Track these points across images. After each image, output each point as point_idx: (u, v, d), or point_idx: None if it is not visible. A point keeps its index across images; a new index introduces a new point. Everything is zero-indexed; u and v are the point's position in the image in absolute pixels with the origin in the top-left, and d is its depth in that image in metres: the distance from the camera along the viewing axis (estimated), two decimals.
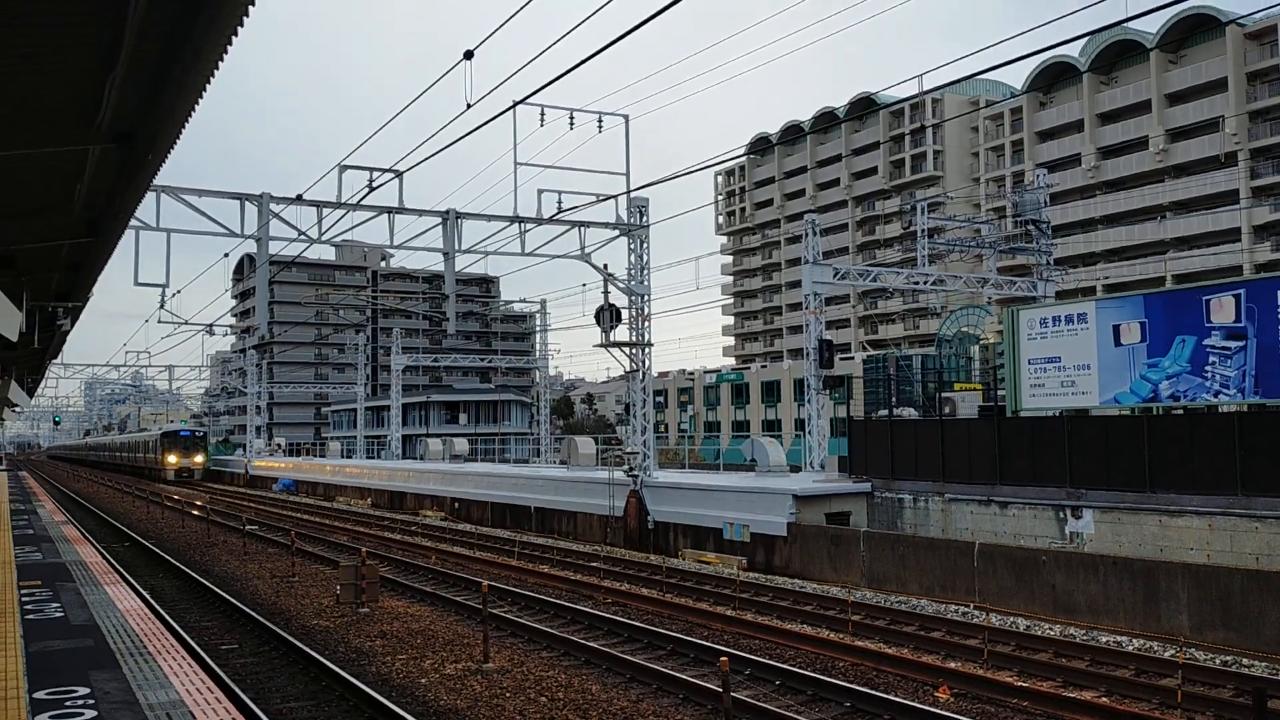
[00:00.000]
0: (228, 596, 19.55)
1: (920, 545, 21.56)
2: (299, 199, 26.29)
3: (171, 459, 74.63)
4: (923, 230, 41.59)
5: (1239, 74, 72.39)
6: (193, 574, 22.92)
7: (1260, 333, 18.79)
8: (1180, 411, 20.85)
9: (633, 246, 31.22)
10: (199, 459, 76.60)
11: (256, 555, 27.45)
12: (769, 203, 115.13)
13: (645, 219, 31.30)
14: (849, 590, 20.03)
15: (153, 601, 17.46)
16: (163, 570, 24.87)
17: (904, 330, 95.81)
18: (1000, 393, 25.92)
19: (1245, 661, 14.26)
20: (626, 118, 29.42)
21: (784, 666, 13.67)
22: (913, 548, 21.53)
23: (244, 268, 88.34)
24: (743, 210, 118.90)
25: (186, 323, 39.38)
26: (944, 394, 29.96)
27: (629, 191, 29.77)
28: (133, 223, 21.86)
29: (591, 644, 15.21)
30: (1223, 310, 19.39)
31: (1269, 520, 17.77)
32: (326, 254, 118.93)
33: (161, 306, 29.79)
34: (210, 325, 44.80)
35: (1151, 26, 75.14)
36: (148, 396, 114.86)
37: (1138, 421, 21.20)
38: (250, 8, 5.70)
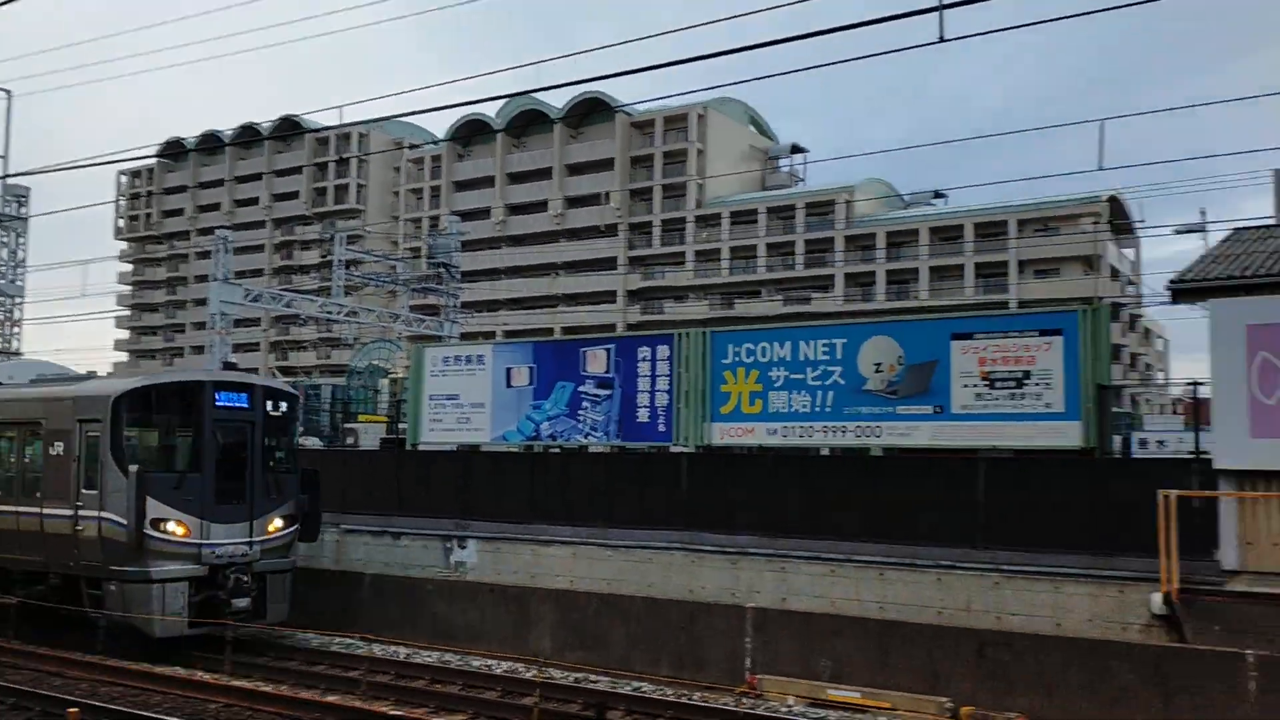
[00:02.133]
0: None
1: (309, 578, 21.17)
2: None
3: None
4: (340, 261, 41.61)
5: (624, 156, 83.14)
6: None
7: (624, 383, 21.39)
8: (558, 450, 22.98)
9: (5, 239, 27.16)
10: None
11: None
12: (180, 212, 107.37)
13: (25, 210, 27.44)
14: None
15: None
16: None
17: (317, 359, 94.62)
18: (402, 426, 26.56)
19: (593, 677, 15.97)
20: (9, 92, 25.88)
21: (148, 715, 12.55)
22: (302, 583, 21.06)
23: None
24: (149, 216, 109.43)
25: None
26: (348, 424, 30.02)
27: (5, 176, 25.96)
28: None
29: None
30: (596, 361, 21.77)
31: (619, 548, 20.21)
32: None
33: None
34: None
35: (559, 101, 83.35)
36: None
37: (523, 458, 22.97)
38: None
